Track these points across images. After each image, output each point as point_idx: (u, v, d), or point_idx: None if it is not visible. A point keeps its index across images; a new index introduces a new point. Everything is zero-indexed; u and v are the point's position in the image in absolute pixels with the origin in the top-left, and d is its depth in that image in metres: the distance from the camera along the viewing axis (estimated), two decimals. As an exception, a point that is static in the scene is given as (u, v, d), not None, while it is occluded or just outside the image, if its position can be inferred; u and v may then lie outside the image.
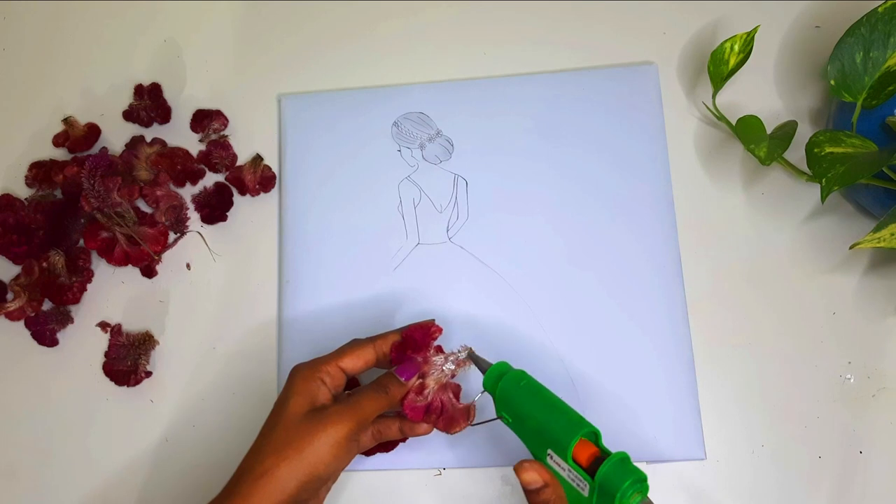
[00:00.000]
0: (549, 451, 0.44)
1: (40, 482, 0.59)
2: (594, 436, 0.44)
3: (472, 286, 0.59)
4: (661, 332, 0.57)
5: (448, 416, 0.50)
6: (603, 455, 0.43)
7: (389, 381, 0.49)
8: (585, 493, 0.42)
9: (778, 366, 0.57)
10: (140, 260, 0.61)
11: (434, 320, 0.51)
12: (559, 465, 0.44)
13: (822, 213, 0.60)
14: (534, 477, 0.44)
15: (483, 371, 0.49)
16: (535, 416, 0.45)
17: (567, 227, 0.60)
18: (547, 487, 0.44)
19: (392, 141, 0.63)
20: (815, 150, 0.52)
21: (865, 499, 0.54)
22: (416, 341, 0.50)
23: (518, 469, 0.45)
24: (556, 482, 0.44)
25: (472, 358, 0.50)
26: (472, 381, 0.55)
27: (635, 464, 0.55)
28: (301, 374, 0.49)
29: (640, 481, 0.42)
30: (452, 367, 0.50)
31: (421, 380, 0.50)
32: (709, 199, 0.61)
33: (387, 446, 0.55)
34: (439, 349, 0.51)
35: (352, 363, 0.50)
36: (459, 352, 0.50)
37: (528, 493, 0.45)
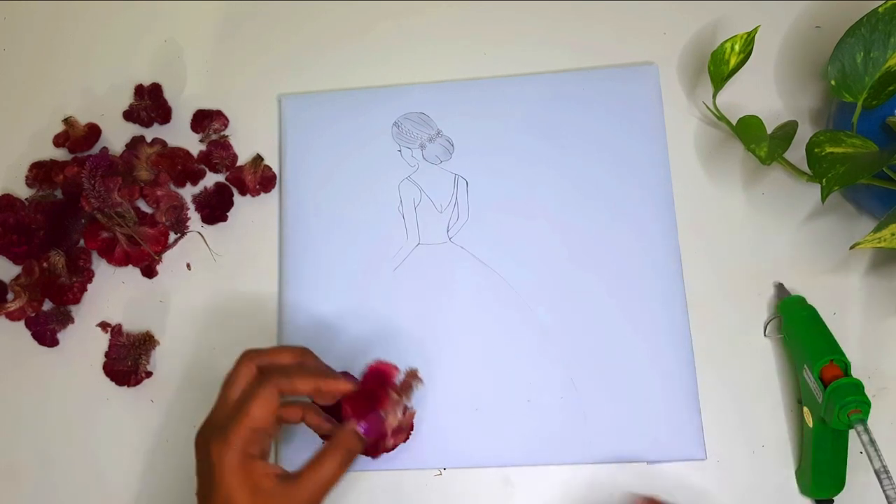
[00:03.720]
0: (805, 365, 0.52)
1: (40, 482, 0.59)
2: (844, 365, 0.51)
3: (472, 286, 0.59)
4: (662, 331, 0.57)
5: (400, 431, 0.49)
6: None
7: (352, 442, 0.44)
8: (820, 401, 0.51)
9: (778, 365, 0.57)
10: (140, 260, 0.61)
11: (381, 361, 0.49)
12: (808, 377, 0.52)
13: (822, 213, 0.60)
14: None
15: (780, 300, 0.57)
16: (803, 338, 0.54)
17: (567, 227, 0.60)
18: None
19: (392, 141, 0.63)
20: (816, 150, 0.52)
21: (866, 499, 0.54)
22: (374, 393, 0.47)
23: None
24: None
25: (777, 287, 0.58)
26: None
27: (635, 464, 0.56)
28: (224, 461, 0.41)
29: (863, 403, 0.49)
30: (408, 402, 0.49)
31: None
32: (709, 199, 0.61)
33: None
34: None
35: (263, 419, 0.43)
36: (408, 375, 0.49)
37: None
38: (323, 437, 0.51)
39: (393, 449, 0.55)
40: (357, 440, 0.45)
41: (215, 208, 0.63)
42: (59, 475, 0.59)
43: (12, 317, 0.60)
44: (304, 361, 0.48)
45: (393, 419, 0.48)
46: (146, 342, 0.60)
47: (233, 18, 0.68)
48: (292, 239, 0.61)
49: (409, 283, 0.60)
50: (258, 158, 0.63)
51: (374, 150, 0.63)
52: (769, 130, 0.57)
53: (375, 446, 0.53)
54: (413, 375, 0.50)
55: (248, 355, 0.47)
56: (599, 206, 0.60)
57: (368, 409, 0.46)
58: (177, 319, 0.61)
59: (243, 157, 0.64)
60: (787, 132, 0.56)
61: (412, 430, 0.55)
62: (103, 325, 0.61)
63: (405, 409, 0.50)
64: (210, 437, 0.43)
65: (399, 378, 0.49)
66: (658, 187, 0.60)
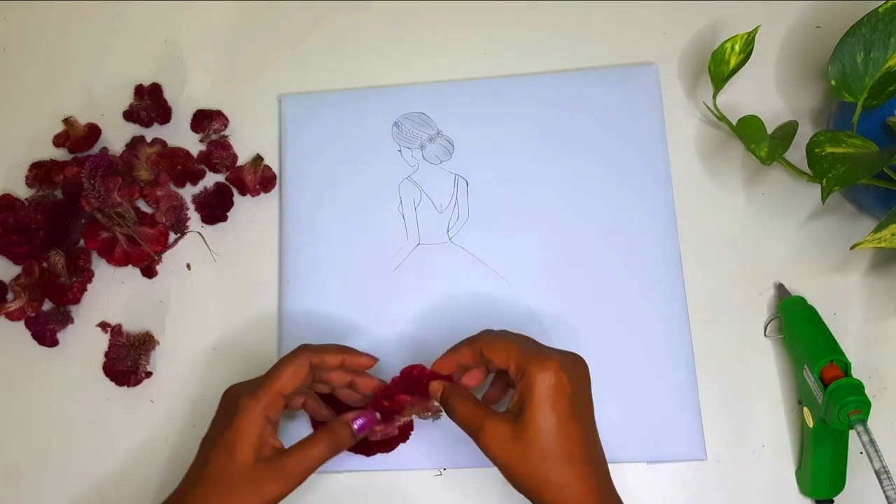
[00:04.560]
0: (805, 366, 0.53)
1: (40, 482, 0.59)
2: (844, 365, 0.52)
3: (472, 286, 0.59)
4: (662, 331, 0.57)
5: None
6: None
7: (343, 432, 0.47)
8: (820, 402, 0.51)
9: (778, 366, 0.57)
10: (140, 260, 0.61)
11: (417, 365, 0.50)
12: (809, 378, 0.52)
13: (822, 213, 0.60)
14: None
15: (780, 300, 0.57)
16: (804, 338, 0.54)
17: (567, 227, 0.60)
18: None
19: (392, 141, 0.63)
20: (816, 151, 0.52)
21: (866, 499, 0.54)
22: (394, 396, 0.49)
23: None
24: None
25: (778, 288, 0.58)
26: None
27: (635, 464, 0.56)
28: (248, 410, 0.45)
29: (864, 403, 0.49)
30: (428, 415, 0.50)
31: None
32: (709, 199, 0.61)
33: (388, 445, 0.55)
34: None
35: (292, 385, 0.47)
36: (433, 412, 0.50)
37: None
38: (316, 425, 0.54)
39: (392, 450, 0.55)
40: (347, 432, 0.47)
41: (215, 208, 0.63)
42: (59, 475, 0.59)
43: (12, 317, 0.60)
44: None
45: (393, 427, 0.50)
46: (146, 342, 0.60)
47: (233, 18, 0.68)
48: (292, 239, 0.61)
49: (409, 283, 0.60)
50: (258, 158, 0.63)
51: (374, 150, 0.63)
52: (769, 130, 0.57)
53: (369, 445, 0.54)
54: (435, 410, 0.50)
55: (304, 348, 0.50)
56: (600, 206, 0.60)
57: (385, 408, 0.50)
58: (177, 319, 0.61)
59: (243, 157, 0.64)
60: (787, 132, 0.56)
61: (412, 430, 0.55)
62: (103, 325, 0.61)
63: (411, 421, 0.52)
64: (242, 391, 0.46)
65: (435, 391, 0.49)
66: (658, 187, 0.60)
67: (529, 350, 0.44)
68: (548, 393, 0.42)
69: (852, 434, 0.52)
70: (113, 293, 0.62)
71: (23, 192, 0.65)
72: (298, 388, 0.48)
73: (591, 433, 0.44)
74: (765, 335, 0.58)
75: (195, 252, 0.62)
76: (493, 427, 0.43)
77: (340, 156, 0.63)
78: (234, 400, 0.46)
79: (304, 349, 0.49)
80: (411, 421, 0.54)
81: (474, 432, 0.45)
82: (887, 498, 0.47)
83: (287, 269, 0.61)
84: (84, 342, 0.61)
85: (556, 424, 0.42)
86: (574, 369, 0.44)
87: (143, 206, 0.63)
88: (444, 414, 0.51)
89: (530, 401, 0.42)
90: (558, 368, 0.43)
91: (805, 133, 0.58)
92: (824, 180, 0.51)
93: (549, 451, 0.42)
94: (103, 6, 0.70)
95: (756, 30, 0.58)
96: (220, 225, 0.63)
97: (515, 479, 0.43)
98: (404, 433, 0.55)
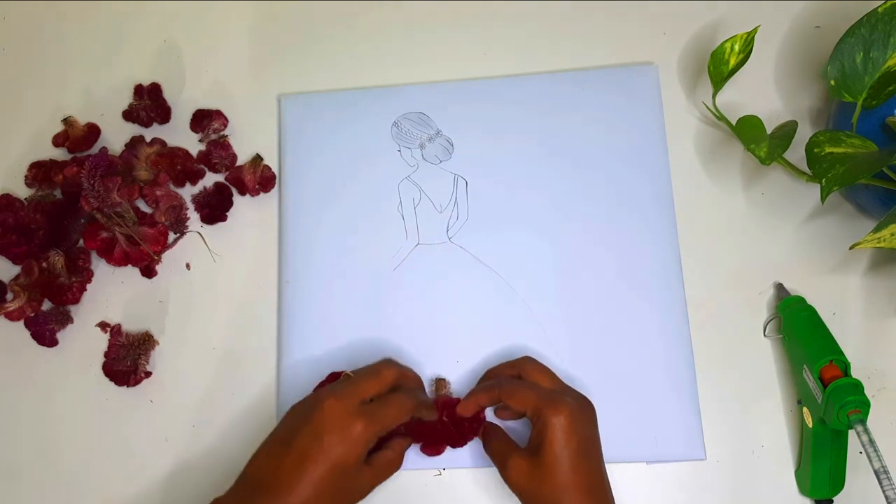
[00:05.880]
0: (805, 366, 0.53)
1: (40, 482, 0.59)
2: (844, 365, 0.52)
3: (471, 286, 0.59)
4: (662, 331, 0.57)
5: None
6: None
7: (404, 449, 0.53)
8: (819, 402, 0.51)
9: (777, 366, 0.57)
10: (140, 260, 0.61)
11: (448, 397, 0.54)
12: (808, 378, 0.52)
13: (822, 213, 0.60)
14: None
15: (780, 300, 0.57)
16: (803, 338, 0.54)
17: (567, 226, 0.60)
18: None
19: (392, 141, 0.63)
20: (816, 150, 0.52)
21: (866, 499, 0.54)
22: (453, 437, 0.54)
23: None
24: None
25: (777, 288, 0.58)
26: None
27: (635, 463, 0.56)
28: (358, 435, 0.48)
29: (863, 403, 0.49)
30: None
31: None
32: (709, 199, 0.61)
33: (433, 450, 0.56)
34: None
35: (394, 424, 0.50)
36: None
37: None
38: None
39: (442, 452, 0.56)
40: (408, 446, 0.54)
41: (215, 208, 0.63)
42: (59, 475, 0.59)
43: (12, 317, 0.60)
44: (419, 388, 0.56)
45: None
46: (145, 342, 0.60)
47: (232, 18, 0.68)
48: (292, 239, 0.61)
49: (409, 282, 0.60)
50: (258, 158, 0.63)
51: (373, 150, 0.63)
52: (769, 130, 0.57)
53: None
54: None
55: (390, 360, 0.55)
56: (599, 206, 0.60)
57: (434, 442, 0.55)
58: (176, 319, 0.61)
59: (243, 157, 0.64)
60: (786, 132, 0.56)
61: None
62: (102, 325, 0.61)
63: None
64: (358, 420, 0.48)
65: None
66: (658, 187, 0.60)
67: (545, 396, 0.49)
68: (561, 434, 0.48)
69: (852, 434, 0.52)
70: (112, 293, 0.62)
71: (22, 191, 0.65)
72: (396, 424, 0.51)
73: (598, 466, 0.49)
74: (764, 335, 0.58)
75: (195, 252, 0.62)
76: (516, 461, 0.49)
77: (340, 156, 0.63)
78: (346, 420, 0.48)
79: (418, 394, 0.53)
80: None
81: (500, 464, 0.51)
82: (887, 498, 0.47)
83: (287, 268, 0.61)
84: (84, 342, 0.61)
85: (567, 459, 0.47)
86: (583, 411, 0.50)
87: (143, 206, 0.63)
88: None
89: (546, 440, 0.48)
90: (570, 412, 0.48)
91: (804, 133, 0.58)
92: (824, 180, 0.51)
93: (560, 482, 0.47)
94: (103, 6, 0.70)
95: (755, 30, 0.58)
96: (220, 225, 0.63)
97: None
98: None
